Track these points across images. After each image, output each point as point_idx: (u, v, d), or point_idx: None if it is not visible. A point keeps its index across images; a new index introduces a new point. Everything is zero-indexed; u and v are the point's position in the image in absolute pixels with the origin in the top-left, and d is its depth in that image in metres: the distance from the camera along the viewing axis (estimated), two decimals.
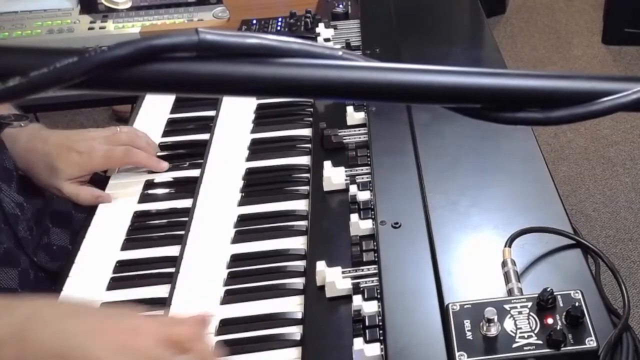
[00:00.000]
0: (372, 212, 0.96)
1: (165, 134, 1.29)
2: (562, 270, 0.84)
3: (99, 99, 1.96)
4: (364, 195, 0.99)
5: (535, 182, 0.98)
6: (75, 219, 1.18)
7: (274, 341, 0.86)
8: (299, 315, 0.89)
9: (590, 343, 0.71)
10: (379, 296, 0.84)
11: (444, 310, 0.78)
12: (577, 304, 0.73)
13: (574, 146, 2.66)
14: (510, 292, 0.79)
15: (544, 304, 0.74)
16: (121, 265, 1.01)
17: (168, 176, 1.18)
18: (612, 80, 0.44)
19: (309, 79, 0.42)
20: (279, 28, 1.52)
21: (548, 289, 0.74)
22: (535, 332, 0.73)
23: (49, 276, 1.08)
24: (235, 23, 1.62)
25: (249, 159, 1.18)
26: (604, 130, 2.72)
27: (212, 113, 1.31)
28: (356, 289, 0.86)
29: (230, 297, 0.93)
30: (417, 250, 0.88)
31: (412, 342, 0.77)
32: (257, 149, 1.21)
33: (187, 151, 1.24)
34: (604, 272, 0.88)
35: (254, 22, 1.55)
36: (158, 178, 1.17)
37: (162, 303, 0.93)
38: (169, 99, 1.37)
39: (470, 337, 0.73)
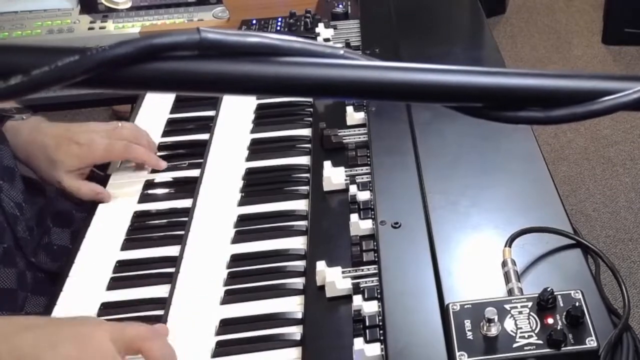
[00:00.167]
0: (372, 212, 0.96)
1: (165, 134, 1.29)
2: (562, 270, 0.84)
3: (99, 99, 1.96)
4: (364, 195, 0.99)
5: (535, 182, 0.98)
6: (76, 218, 1.18)
7: (274, 341, 0.86)
8: (299, 315, 0.89)
9: (591, 343, 0.71)
10: (379, 296, 0.84)
11: (444, 310, 0.78)
12: (577, 303, 0.73)
13: (574, 146, 2.66)
14: (510, 292, 0.79)
15: (544, 304, 0.74)
16: (121, 265, 1.01)
17: (168, 176, 1.18)
18: (613, 80, 0.44)
19: (311, 78, 0.42)
20: (278, 28, 1.52)
21: (548, 289, 0.74)
22: (536, 332, 0.73)
23: (48, 276, 1.08)
24: (235, 23, 1.62)
25: (248, 159, 1.18)
26: (604, 130, 2.72)
27: (212, 113, 1.31)
28: (356, 289, 0.86)
29: (230, 297, 0.93)
30: (417, 250, 0.88)
31: (413, 342, 0.77)
32: (257, 149, 1.20)
33: (187, 151, 1.24)
34: (604, 272, 0.88)
35: (254, 22, 1.55)
36: (158, 178, 1.17)
37: (162, 303, 0.93)
38: (168, 99, 1.37)
39: (470, 337, 0.73)
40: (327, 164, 1.07)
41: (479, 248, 0.88)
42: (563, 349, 0.71)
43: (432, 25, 1.50)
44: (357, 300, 0.84)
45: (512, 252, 0.84)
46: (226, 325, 0.89)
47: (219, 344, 0.86)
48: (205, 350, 0.86)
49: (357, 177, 1.04)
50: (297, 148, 1.19)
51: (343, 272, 0.89)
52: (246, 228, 1.04)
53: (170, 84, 0.41)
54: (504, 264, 0.82)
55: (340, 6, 1.53)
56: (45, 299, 1.03)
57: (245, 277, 0.96)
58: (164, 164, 1.18)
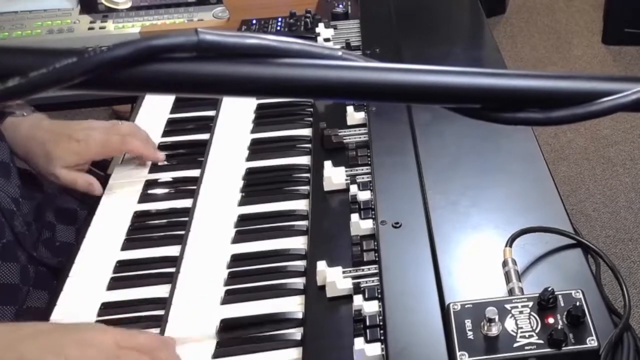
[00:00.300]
0: (373, 212, 0.96)
1: (165, 134, 1.29)
2: (563, 270, 0.84)
3: (99, 99, 1.96)
4: (364, 195, 0.99)
5: (536, 182, 0.98)
6: (80, 216, 1.19)
7: (274, 341, 0.86)
8: (300, 315, 0.88)
9: (591, 343, 0.71)
10: (379, 296, 0.84)
11: (444, 310, 0.78)
12: (577, 303, 0.73)
13: (574, 146, 2.66)
14: (511, 291, 0.79)
15: (544, 304, 0.74)
16: (121, 265, 1.01)
17: (168, 176, 1.18)
18: (612, 81, 0.44)
19: (309, 79, 0.42)
20: (278, 28, 1.52)
21: (549, 289, 0.74)
22: (536, 331, 0.73)
23: (51, 271, 1.08)
24: (235, 23, 1.62)
25: (249, 159, 1.18)
26: (604, 130, 2.72)
27: (212, 113, 1.31)
28: (357, 289, 0.86)
29: (230, 297, 0.93)
30: (418, 250, 0.88)
31: (413, 341, 0.77)
32: (257, 149, 1.20)
33: (187, 151, 1.24)
34: (604, 272, 0.88)
35: (254, 22, 1.55)
36: (158, 178, 1.17)
37: (163, 303, 0.93)
38: (168, 99, 1.37)
39: (471, 337, 0.73)
40: (327, 164, 1.07)
41: (480, 248, 0.88)
42: (564, 348, 0.71)
43: (432, 25, 1.50)
44: (358, 300, 0.84)
45: (512, 251, 0.84)
46: (227, 325, 0.89)
47: (220, 344, 0.86)
48: (205, 350, 0.86)
49: (357, 177, 1.04)
50: (297, 148, 1.19)
51: (343, 272, 0.89)
52: (246, 228, 1.04)
53: (168, 86, 0.41)
54: (505, 263, 0.82)
55: (341, 6, 1.53)
56: (46, 293, 1.04)
57: (246, 277, 0.95)
58: (162, 156, 1.18)
